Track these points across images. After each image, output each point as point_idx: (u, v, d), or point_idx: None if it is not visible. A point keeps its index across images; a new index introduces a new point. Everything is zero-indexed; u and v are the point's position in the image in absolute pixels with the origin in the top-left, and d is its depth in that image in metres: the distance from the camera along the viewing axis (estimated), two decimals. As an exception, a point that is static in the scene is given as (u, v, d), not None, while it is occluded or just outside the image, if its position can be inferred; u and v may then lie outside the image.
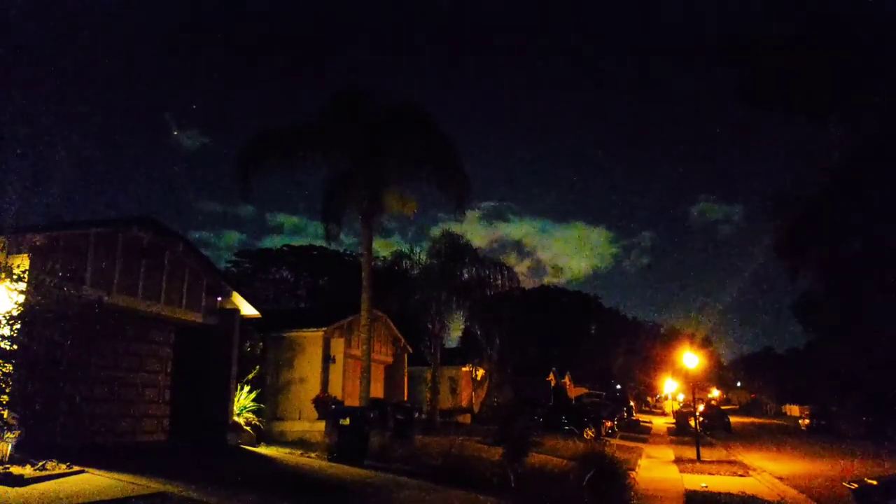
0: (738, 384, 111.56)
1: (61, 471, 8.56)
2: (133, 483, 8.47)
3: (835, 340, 40.71)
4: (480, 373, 34.14)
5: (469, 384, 33.86)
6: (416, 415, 22.20)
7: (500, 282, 27.80)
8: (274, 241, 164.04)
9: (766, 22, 19.02)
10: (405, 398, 25.47)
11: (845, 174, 20.12)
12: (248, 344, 17.21)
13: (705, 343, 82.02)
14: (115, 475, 8.74)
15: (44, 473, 8.32)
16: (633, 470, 16.56)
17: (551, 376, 48.61)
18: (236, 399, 15.23)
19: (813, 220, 21.71)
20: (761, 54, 19.00)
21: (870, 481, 8.24)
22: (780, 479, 16.25)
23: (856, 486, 8.35)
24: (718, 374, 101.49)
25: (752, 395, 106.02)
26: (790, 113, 20.71)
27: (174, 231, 13.63)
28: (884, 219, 19.94)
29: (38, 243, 9.75)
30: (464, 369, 33.28)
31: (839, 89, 18.41)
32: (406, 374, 26.63)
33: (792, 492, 14.07)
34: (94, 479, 8.49)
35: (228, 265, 42.05)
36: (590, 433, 27.10)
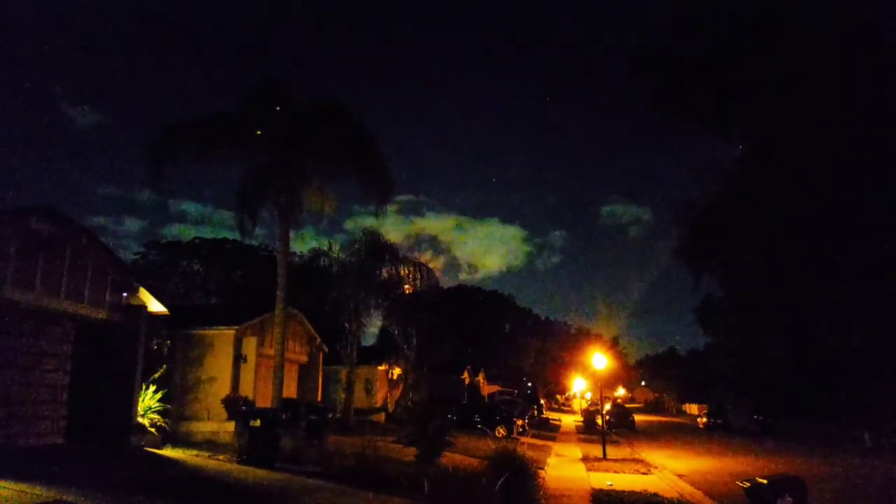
0: (643, 383, 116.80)
1: (-60, 480, 7.93)
2: (21, 491, 7.95)
3: (731, 343, 43.44)
4: (397, 372, 34.09)
5: (385, 383, 33.75)
6: (331, 415, 21.94)
7: (419, 281, 27.86)
8: (178, 230, 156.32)
9: (677, 36, 19.87)
10: (319, 398, 25.10)
11: (742, 185, 21.39)
12: (155, 341, 16.47)
13: (613, 343, 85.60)
14: (2, 483, 8.17)
15: (-80, 483, 7.68)
16: (543, 469, 16.98)
17: (466, 374, 49.19)
18: (141, 399, 14.57)
19: (713, 228, 22.91)
20: (672, 68, 19.88)
21: (760, 480, 8.81)
22: (680, 476, 17.10)
23: (748, 484, 8.89)
24: (625, 373, 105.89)
25: (656, 394, 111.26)
26: (696, 124, 21.78)
27: (77, 223, 12.93)
28: (776, 229, 21.28)
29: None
30: (380, 368, 33.14)
31: (737, 104, 19.56)
32: (321, 373, 26.21)
33: (690, 489, 14.80)
34: (-22, 489, 7.92)
35: (136, 256, 40.00)
36: (502, 431, 27.57)
